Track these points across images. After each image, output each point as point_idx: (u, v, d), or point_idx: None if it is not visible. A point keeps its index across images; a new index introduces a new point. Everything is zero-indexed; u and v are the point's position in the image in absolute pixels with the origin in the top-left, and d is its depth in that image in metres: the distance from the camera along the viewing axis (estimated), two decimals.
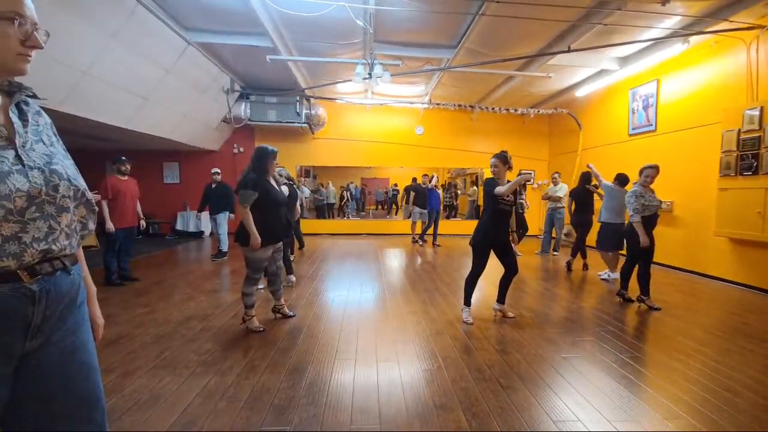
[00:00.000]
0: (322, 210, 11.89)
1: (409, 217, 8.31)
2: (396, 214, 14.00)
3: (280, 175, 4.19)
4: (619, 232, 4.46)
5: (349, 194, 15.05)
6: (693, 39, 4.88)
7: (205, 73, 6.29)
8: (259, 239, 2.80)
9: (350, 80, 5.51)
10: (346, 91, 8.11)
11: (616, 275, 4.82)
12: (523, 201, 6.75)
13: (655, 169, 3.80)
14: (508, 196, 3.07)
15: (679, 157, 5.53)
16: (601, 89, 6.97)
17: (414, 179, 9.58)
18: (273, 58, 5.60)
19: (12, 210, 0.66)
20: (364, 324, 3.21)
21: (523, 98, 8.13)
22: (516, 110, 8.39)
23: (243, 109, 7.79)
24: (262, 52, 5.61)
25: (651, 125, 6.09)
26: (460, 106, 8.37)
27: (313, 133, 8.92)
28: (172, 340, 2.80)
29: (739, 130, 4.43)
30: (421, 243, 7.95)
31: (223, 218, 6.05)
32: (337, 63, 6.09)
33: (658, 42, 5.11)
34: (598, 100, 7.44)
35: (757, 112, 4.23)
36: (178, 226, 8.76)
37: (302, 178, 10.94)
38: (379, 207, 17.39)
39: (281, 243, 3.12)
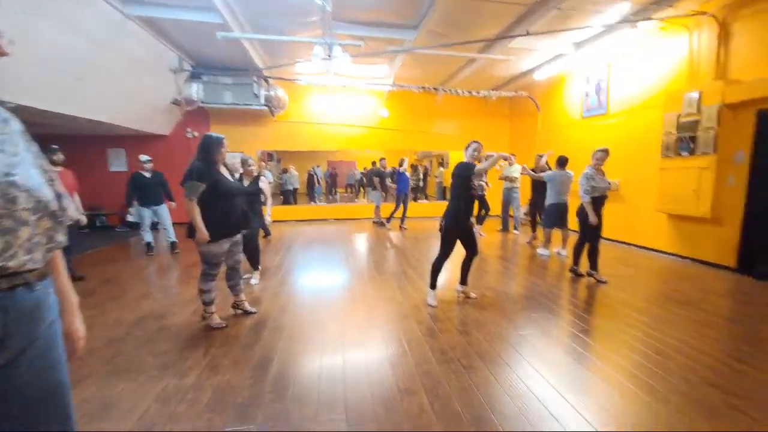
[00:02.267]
0: (286, 196, 11.58)
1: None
2: (364, 197, 13.98)
3: (248, 164, 3.97)
4: (561, 211, 4.94)
5: (316, 178, 14.74)
6: (641, 25, 5.11)
7: (148, 50, 5.75)
8: (206, 233, 2.65)
9: (309, 61, 5.25)
10: (306, 72, 7.78)
11: (557, 250, 5.21)
12: (484, 182, 6.94)
13: (605, 152, 4.02)
14: (476, 181, 3.16)
15: (627, 139, 5.89)
16: (558, 73, 7.19)
17: (373, 163, 9.54)
18: (224, 35, 5.21)
19: None
20: (330, 312, 3.21)
21: (486, 81, 8.22)
22: (479, 93, 8.48)
23: (195, 91, 7.25)
24: (212, 29, 5.21)
25: (602, 108, 6.40)
26: (424, 88, 8.31)
27: (273, 116, 8.53)
28: (124, 343, 2.65)
29: (679, 113, 4.77)
30: (387, 225, 8.00)
31: (165, 208, 5.64)
32: (295, 42, 5.78)
33: (609, 27, 5.30)
34: (555, 83, 7.68)
35: (696, 96, 4.55)
36: (131, 218, 8.17)
37: (264, 163, 10.55)
38: (349, 190, 17.25)
39: (239, 236, 2.99)
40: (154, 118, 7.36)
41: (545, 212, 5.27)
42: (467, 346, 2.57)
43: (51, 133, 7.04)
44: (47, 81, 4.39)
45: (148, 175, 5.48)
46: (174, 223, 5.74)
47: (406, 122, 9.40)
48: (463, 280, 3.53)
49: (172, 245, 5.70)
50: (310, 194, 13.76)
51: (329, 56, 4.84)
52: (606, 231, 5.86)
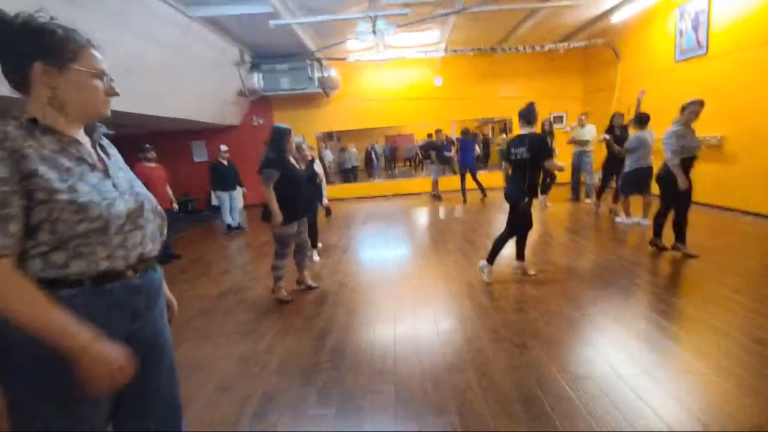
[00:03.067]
0: (345, 174, 11.94)
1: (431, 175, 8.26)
2: (422, 171, 13.81)
3: (302, 150, 4.23)
4: (643, 176, 4.36)
5: (374, 154, 14.91)
6: None
7: (213, 48, 6.23)
8: (281, 217, 2.94)
9: (350, 39, 5.20)
10: (356, 49, 7.73)
11: (637, 220, 4.62)
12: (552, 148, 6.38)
13: (701, 104, 3.40)
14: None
15: (734, 85, 4.86)
16: (643, 11, 6.07)
17: (429, 135, 9.28)
18: (275, 23, 5.41)
19: (120, 225, 0.88)
20: (385, 289, 3.35)
21: (551, 32, 7.32)
22: (543, 47, 7.61)
23: (256, 80, 7.71)
24: (265, 18, 5.42)
25: (702, 48, 5.32)
26: (479, 50, 7.72)
27: (328, 97, 8.72)
28: (212, 313, 3.10)
29: None
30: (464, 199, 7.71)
31: (240, 193, 6.39)
32: (342, 20, 5.75)
33: None
34: (639, 24, 6.53)
35: None
36: (214, 202, 9.24)
37: (324, 143, 10.95)
38: (408, 164, 17.18)
39: (305, 218, 3.26)
40: (224, 110, 8.05)
41: (624, 178, 4.69)
42: (520, 324, 2.50)
43: (139, 133, 8.14)
44: (134, 87, 5.04)
45: (225, 163, 6.18)
46: (248, 206, 6.40)
47: (463, 89, 8.90)
48: (520, 256, 3.38)
49: (238, 227, 6.37)
50: (369, 171, 14.02)
51: (374, 30, 4.73)
52: (701, 194, 5.03)
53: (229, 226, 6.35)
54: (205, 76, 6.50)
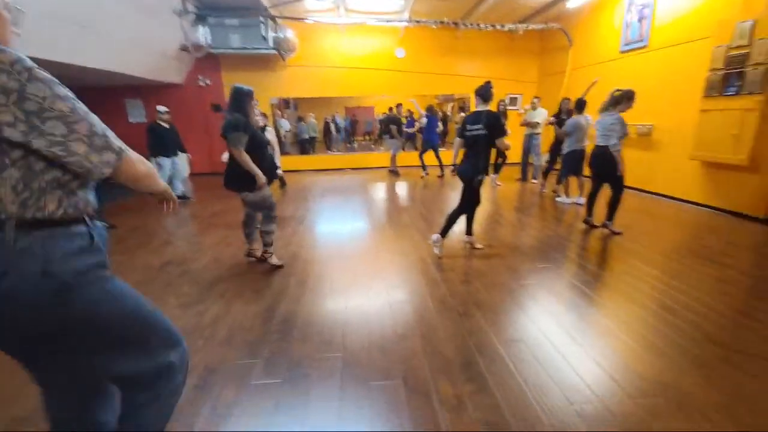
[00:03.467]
0: (303, 145, 11.52)
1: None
2: (382, 146, 13.69)
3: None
4: (580, 158, 4.77)
5: (334, 126, 14.46)
6: None
7: None
8: (264, 178, 2.87)
9: None
10: (315, 9, 7.26)
11: (575, 199, 5.06)
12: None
13: (634, 94, 3.71)
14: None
15: (668, 78, 5.30)
16: None
17: (390, 109, 9.17)
18: None
19: None
20: (338, 262, 3.34)
21: (512, 11, 7.40)
22: (503, 26, 7.68)
23: (202, 35, 6.99)
24: None
25: (644, 40, 5.69)
26: (442, 22, 7.61)
27: (284, 60, 8.18)
28: (151, 285, 2.91)
29: (729, 45, 4.18)
30: (424, 174, 7.82)
31: (183, 159, 5.86)
32: None
33: None
34: (592, 12, 6.81)
35: (748, 25, 3.95)
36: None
37: (279, 111, 10.37)
38: (368, 138, 16.90)
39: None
40: (164, 66, 7.24)
41: (564, 159, 5.05)
42: (466, 295, 2.65)
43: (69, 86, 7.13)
44: (52, 30, 4.33)
45: (166, 126, 5.60)
46: (194, 174, 5.94)
47: (425, 64, 8.80)
48: (469, 231, 3.53)
49: (183, 196, 5.92)
50: (327, 143, 13.62)
51: None
52: (632, 179, 5.61)
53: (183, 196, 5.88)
54: (140, 23, 5.75)
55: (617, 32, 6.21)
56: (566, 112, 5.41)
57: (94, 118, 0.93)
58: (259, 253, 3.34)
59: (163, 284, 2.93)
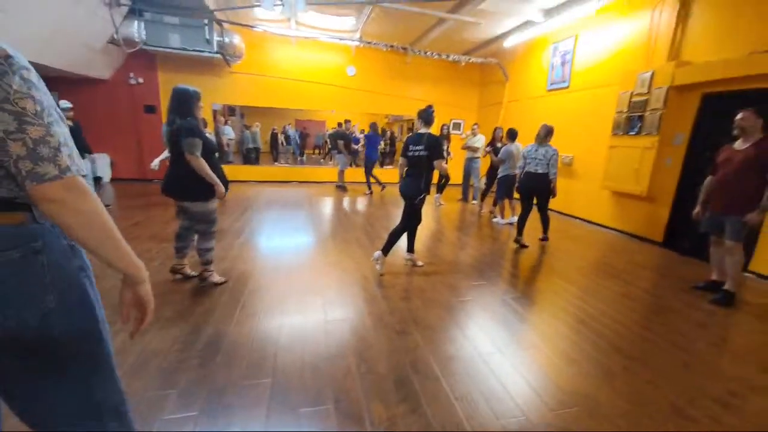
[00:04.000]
0: (248, 154, 11.01)
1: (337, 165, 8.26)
2: (331, 161, 13.61)
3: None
4: (512, 183, 5.21)
5: (284, 137, 14.09)
6: None
7: None
8: (223, 188, 2.69)
9: (258, 5, 4.77)
10: (265, 18, 7.13)
11: (508, 220, 5.49)
12: (446, 152, 7.02)
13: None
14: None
15: (585, 115, 6.02)
16: (527, 41, 7.07)
17: (339, 124, 9.23)
18: None
19: None
20: (276, 277, 3.18)
21: (456, 44, 7.95)
22: (449, 56, 8.22)
23: (136, 30, 6.45)
24: None
25: (566, 82, 6.44)
26: (392, 46, 7.93)
27: (229, 66, 7.86)
28: None
29: (632, 92, 4.89)
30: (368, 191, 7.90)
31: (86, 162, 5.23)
32: None
33: None
34: (524, 52, 7.57)
35: (648, 76, 4.66)
36: None
37: (223, 118, 9.85)
38: (317, 152, 16.68)
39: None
40: (89, 59, 6.53)
41: (499, 183, 5.47)
42: (405, 312, 2.66)
43: None
44: None
45: (70, 123, 4.96)
46: (117, 179, 5.32)
47: (375, 83, 9.02)
48: (410, 248, 3.59)
49: None
50: (274, 155, 13.20)
51: (281, 2, 4.41)
52: (555, 204, 6.25)
53: None
54: (63, 11, 5.15)
55: (545, 72, 6.96)
56: (500, 140, 5.87)
57: (60, 133, 0.80)
58: (188, 270, 3.05)
59: None
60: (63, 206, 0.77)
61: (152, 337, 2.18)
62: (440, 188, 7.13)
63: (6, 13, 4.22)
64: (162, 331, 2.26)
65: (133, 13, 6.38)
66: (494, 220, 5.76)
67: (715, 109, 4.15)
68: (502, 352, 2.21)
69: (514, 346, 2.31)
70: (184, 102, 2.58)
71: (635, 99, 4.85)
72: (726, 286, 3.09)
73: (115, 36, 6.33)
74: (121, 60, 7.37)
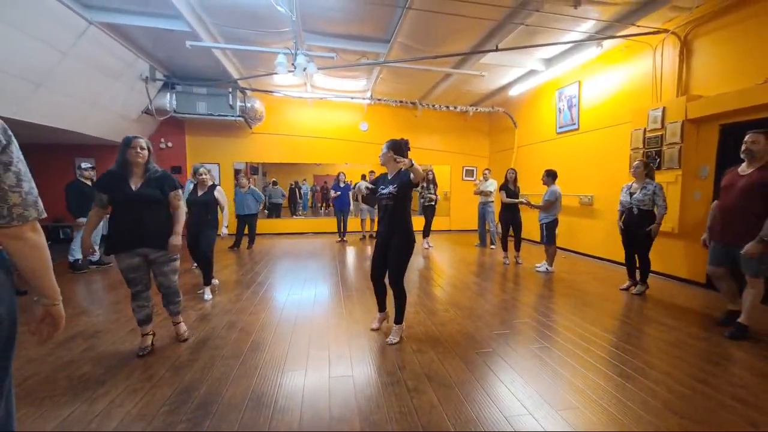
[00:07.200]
0: (276, 209, 11.25)
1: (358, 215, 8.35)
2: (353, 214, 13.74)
3: (198, 174, 3.82)
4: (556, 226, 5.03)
5: (299, 192, 14.59)
6: (606, 43, 5.21)
7: (116, 58, 5.61)
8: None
9: (275, 73, 5.18)
10: (284, 84, 7.74)
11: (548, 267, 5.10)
12: (433, 195, 7.15)
13: None
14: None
15: (599, 154, 5.92)
16: (532, 89, 7.28)
17: (363, 176, 9.44)
18: (193, 44, 5.13)
19: None
20: (281, 330, 3.00)
21: (463, 96, 8.29)
22: (456, 108, 8.54)
23: (168, 100, 7.11)
24: (181, 37, 5.13)
25: (575, 124, 6.46)
26: (401, 102, 8.35)
27: (250, 128, 8.42)
28: (43, 364, 2.39)
29: (645, 129, 4.80)
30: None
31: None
32: (267, 53, 5.73)
33: (577, 45, 5.40)
34: (530, 99, 7.78)
35: (660, 113, 4.60)
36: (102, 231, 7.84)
37: (247, 178, 10.32)
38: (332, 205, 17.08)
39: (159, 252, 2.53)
40: (125, 128, 7.14)
41: (549, 228, 5.02)
42: (417, 366, 2.39)
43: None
44: (2, 85, 4.20)
45: (88, 182, 5.26)
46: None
47: (387, 136, 9.18)
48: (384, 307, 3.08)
49: (99, 263, 5.37)
50: (292, 208, 13.56)
51: (294, 66, 4.77)
52: (583, 246, 5.99)
53: (76, 262, 5.06)
54: (102, 86, 5.77)
55: (553, 116, 7.05)
56: (512, 182, 5.71)
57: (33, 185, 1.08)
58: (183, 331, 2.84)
59: (61, 362, 2.43)
60: (28, 242, 1.03)
61: (143, 397, 2.01)
62: (426, 231, 7.11)
63: (45, 87, 4.73)
64: (155, 390, 2.09)
65: (167, 86, 7.08)
66: (539, 268, 5.17)
67: (737, 139, 3.96)
68: (532, 415, 1.89)
69: (547, 406, 1.98)
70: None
71: (649, 135, 4.75)
72: (740, 319, 2.84)
73: (149, 106, 6.98)
74: (154, 127, 8.04)
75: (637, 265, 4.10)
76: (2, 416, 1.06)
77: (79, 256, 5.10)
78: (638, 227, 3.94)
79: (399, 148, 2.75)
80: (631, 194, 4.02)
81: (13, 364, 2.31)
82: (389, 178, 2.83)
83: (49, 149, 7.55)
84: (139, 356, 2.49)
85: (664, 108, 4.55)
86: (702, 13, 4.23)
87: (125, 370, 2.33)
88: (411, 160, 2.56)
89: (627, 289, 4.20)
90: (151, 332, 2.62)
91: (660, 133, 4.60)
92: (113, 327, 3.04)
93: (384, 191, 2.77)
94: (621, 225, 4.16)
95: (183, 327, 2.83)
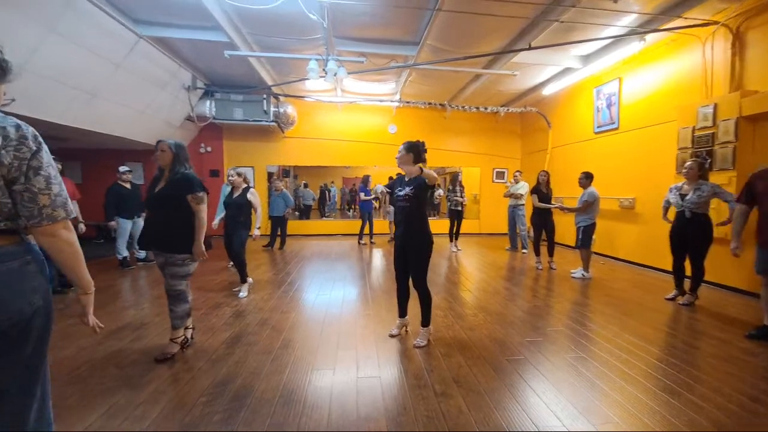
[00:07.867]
0: (307, 211, 11.61)
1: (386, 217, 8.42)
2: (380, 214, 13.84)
3: (229, 176, 4.03)
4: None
5: (328, 194, 14.89)
6: (650, 37, 4.92)
7: (162, 69, 6.02)
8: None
9: (307, 78, 5.33)
10: (315, 89, 7.94)
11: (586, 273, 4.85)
12: (460, 197, 7.06)
13: None
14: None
15: (641, 155, 5.59)
16: (567, 88, 7.00)
17: (390, 178, 9.49)
18: (230, 54, 5.40)
19: None
20: (310, 330, 3.07)
21: (494, 96, 8.12)
22: (487, 108, 8.38)
23: (208, 107, 7.52)
24: (220, 48, 5.41)
25: (614, 123, 6.14)
26: (430, 104, 8.31)
27: (283, 132, 8.70)
28: (94, 353, 2.60)
29: (694, 127, 4.48)
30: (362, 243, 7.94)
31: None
32: (300, 59, 5.91)
33: (617, 40, 5.14)
34: (565, 98, 7.48)
35: (711, 110, 4.28)
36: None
37: (279, 181, 10.68)
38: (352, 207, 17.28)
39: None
40: (170, 133, 7.62)
41: (586, 232, 4.77)
42: (445, 370, 2.37)
43: (69, 147, 7.43)
44: (58, 95, 4.62)
45: (128, 186, 5.61)
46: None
47: (415, 138, 9.31)
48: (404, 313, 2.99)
49: (145, 259, 5.77)
50: (321, 210, 13.85)
51: (325, 71, 4.88)
52: (623, 252, 5.68)
53: (124, 260, 5.40)
54: (149, 95, 6.20)
55: (590, 116, 6.74)
56: (545, 185, 5.50)
57: (64, 187, 1.16)
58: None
59: (111, 351, 2.63)
60: (60, 239, 1.13)
61: (183, 387, 2.13)
62: (455, 235, 7.10)
63: (99, 97, 5.14)
64: (193, 382, 2.21)
65: (207, 94, 7.48)
66: (574, 275, 4.93)
67: None
68: (568, 429, 1.82)
69: (583, 420, 1.89)
70: (186, 153, 2.59)
71: (699, 134, 4.42)
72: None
73: (191, 113, 7.40)
74: (195, 133, 8.51)
75: (687, 273, 3.81)
76: (39, 398, 1.14)
77: (125, 254, 5.48)
78: (693, 231, 3.65)
79: (416, 150, 2.79)
80: (682, 196, 3.72)
81: (67, 352, 2.55)
82: (406, 180, 2.83)
83: (100, 154, 8.18)
84: (180, 348, 2.63)
85: (715, 104, 4.23)
86: (754, 4, 3.91)
87: (167, 360, 2.48)
88: (420, 167, 2.63)
89: (673, 299, 3.91)
90: (191, 326, 2.77)
91: (711, 131, 4.27)
92: (158, 320, 3.25)
93: (401, 193, 2.78)
94: (667, 220, 3.96)
95: (173, 346, 2.55)
